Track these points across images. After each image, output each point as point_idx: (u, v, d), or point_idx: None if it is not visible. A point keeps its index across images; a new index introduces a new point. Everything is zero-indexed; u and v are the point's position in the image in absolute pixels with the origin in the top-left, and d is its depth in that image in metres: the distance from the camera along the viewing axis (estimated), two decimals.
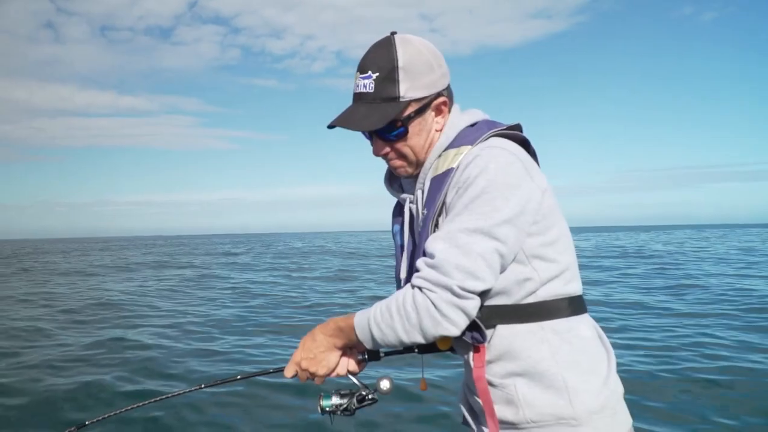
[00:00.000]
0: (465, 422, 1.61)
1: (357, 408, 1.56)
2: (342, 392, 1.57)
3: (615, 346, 1.52)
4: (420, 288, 1.30)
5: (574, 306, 1.43)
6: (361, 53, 1.49)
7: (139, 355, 7.97)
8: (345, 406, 1.55)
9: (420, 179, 1.52)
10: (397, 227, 1.63)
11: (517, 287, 1.39)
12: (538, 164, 1.48)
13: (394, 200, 1.66)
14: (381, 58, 1.43)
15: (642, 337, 8.10)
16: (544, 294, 1.40)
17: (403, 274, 1.57)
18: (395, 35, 1.46)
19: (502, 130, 1.46)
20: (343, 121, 1.45)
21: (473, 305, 1.30)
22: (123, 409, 1.89)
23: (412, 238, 1.55)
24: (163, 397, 1.87)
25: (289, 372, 1.52)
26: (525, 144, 1.49)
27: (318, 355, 1.48)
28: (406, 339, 1.33)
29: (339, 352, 1.50)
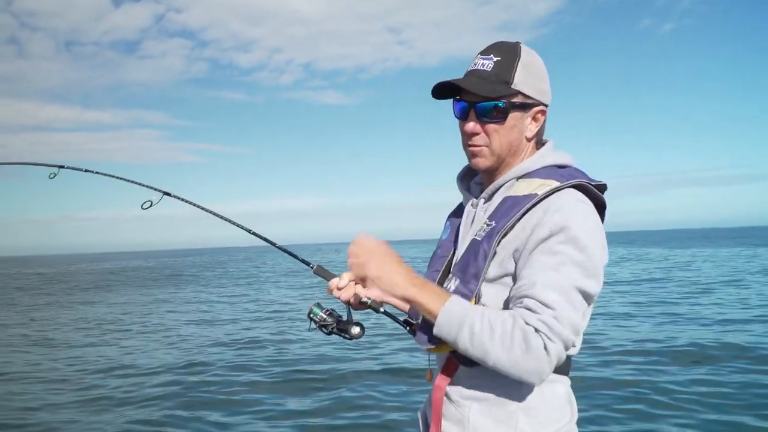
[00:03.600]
0: None
1: (333, 333, 1.60)
2: (333, 313, 1.61)
3: None
4: (536, 330, 1.27)
5: (563, 365, 1.41)
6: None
7: None
8: (327, 324, 1.60)
9: (490, 189, 1.53)
10: (448, 223, 1.68)
11: None
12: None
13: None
14: (507, 48, 1.49)
15: None
16: None
17: (441, 267, 1.58)
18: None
19: (589, 183, 1.45)
20: (456, 80, 1.48)
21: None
22: (202, 206, 2.01)
23: (457, 239, 1.57)
24: (226, 217, 1.95)
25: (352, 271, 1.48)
26: (602, 207, 1.48)
27: (375, 268, 1.42)
28: (491, 363, 1.30)
29: (376, 288, 1.41)
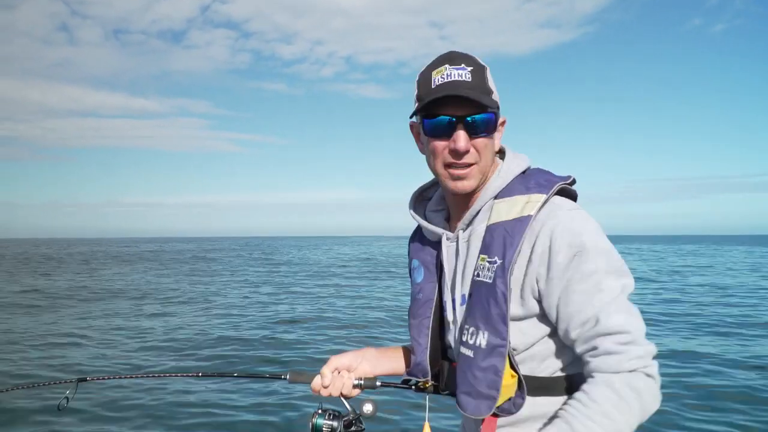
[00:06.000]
0: None
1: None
2: (333, 413, 1.55)
3: None
4: (633, 370, 1.19)
5: None
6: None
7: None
8: (336, 429, 1.52)
9: (467, 216, 1.39)
10: (417, 262, 1.53)
11: (554, 358, 1.34)
12: None
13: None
14: (470, 59, 1.36)
15: None
16: (575, 369, 1.33)
17: (431, 313, 1.46)
18: None
19: (566, 184, 1.38)
20: (465, 93, 1.29)
21: None
22: (122, 376, 1.92)
23: (440, 279, 1.46)
24: (161, 375, 1.86)
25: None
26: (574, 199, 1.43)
27: None
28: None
29: None
